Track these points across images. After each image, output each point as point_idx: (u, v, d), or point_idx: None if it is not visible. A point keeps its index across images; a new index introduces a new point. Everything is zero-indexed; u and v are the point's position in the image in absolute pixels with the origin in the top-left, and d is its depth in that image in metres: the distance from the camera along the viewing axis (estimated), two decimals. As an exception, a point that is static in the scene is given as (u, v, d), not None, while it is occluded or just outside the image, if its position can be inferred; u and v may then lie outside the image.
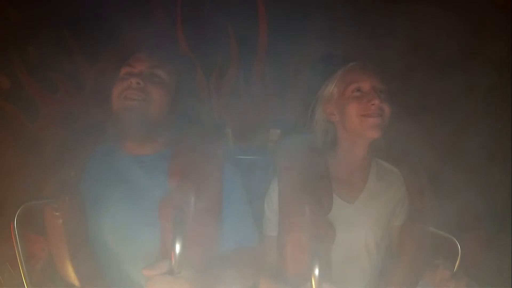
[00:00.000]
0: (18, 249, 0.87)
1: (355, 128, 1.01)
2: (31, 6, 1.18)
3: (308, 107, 1.14)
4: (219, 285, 0.89)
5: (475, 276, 0.98)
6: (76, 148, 1.01)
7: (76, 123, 1.21)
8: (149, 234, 0.91)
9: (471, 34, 1.22)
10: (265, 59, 1.28)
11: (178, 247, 0.76)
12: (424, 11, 1.20)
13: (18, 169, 1.03)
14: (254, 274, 1.01)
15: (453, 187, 1.17)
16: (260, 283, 1.01)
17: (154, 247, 0.90)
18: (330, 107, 1.08)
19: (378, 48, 1.19)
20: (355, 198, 1.05)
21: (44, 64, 1.20)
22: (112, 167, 0.98)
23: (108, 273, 0.94)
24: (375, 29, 1.22)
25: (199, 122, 1.18)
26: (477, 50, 1.22)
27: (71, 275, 0.90)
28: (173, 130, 1.04)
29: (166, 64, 0.99)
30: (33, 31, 1.19)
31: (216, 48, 1.27)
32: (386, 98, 1.01)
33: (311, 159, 1.06)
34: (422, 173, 1.10)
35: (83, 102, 1.23)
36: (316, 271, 0.80)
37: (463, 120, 1.24)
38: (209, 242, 0.93)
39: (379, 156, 1.12)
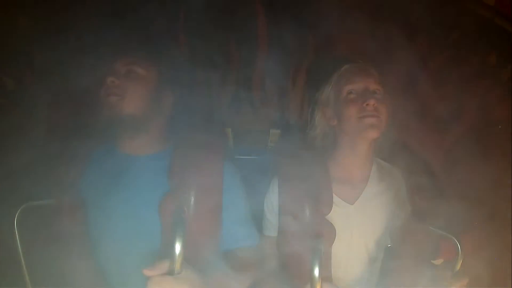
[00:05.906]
0: (18, 249, 0.87)
1: (354, 130, 1.01)
2: (38, 11, 1.18)
3: (308, 107, 1.14)
4: (219, 285, 0.89)
5: (475, 276, 0.98)
6: (76, 148, 1.01)
7: (76, 124, 1.21)
8: (149, 234, 0.91)
9: (471, 35, 1.22)
10: (265, 59, 1.28)
11: (178, 247, 0.76)
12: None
13: (18, 169, 1.03)
14: (254, 274, 1.01)
15: (453, 187, 1.17)
16: (260, 284, 1.01)
17: (154, 247, 0.90)
18: (329, 111, 1.08)
19: (378, 48, 1.19)
20: (356, 199, 1.05)
21: (48, 66, 1.20)
22: (112, 167, 0.99)
23: (108, 273, 0.94)
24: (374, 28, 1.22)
25: (198, 122, 1.18)
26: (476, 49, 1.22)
27: (71, 275, 0.90)
28: (171, 128, 1.04)
29: (143, 60, 0.99)
30: (39, 34, 1.20)
31: (216, 48, 1.27)
32: (382, 98, 1.01)
33: (311, 160, 1.06)
34: (423, 173, 1.10)
35: (85, 103, 1.23)
36: (316, 272, 0.80)
37: (463, 119, 1.24)
38: (209, 242, 0.94)
39: (380, 156, 1.12)
